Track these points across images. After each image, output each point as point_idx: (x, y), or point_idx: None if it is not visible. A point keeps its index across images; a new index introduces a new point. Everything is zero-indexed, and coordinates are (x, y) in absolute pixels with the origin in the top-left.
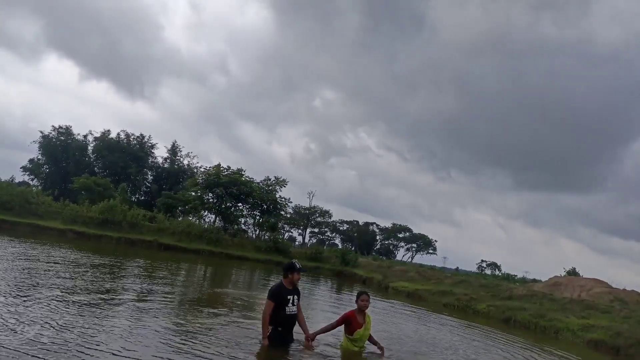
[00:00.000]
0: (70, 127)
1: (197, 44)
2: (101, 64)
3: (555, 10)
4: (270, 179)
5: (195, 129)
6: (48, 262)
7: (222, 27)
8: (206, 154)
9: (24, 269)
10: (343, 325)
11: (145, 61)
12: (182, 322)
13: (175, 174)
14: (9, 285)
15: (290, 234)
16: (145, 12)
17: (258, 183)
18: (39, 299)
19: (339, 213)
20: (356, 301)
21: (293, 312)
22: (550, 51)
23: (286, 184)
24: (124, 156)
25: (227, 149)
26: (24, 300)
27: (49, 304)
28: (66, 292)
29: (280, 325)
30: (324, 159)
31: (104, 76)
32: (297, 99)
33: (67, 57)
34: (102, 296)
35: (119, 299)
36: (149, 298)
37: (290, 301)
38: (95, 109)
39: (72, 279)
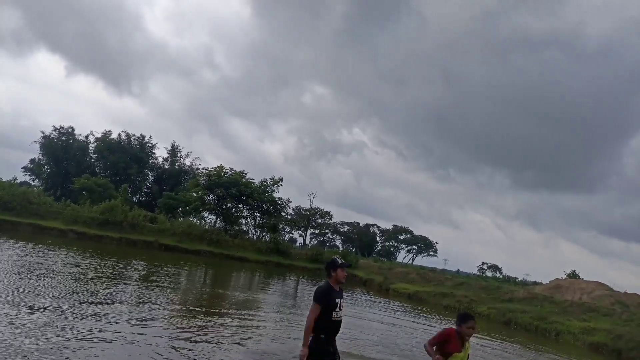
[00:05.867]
0: (72, 127)
1: (181, 38)
2: (87, 58)
3: None
4: (266, 180)
5: (185, 127)
6: (49, 264)
7: (206, 19)
8: (199, 152)
9: (25, 272)
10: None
11: (131, 55)
12: (183, 330)
13: (176, 175)
14: (6, 291)
15: (290, 235)
16: (125, 2)
17: (256, 184)
18: (38, 305)
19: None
20: (459, 324)
21: (339, 318)
22: (537, 43)
23: (281, 184)
24: (124, 157)
25: (219, 146)
26: (24, 307)
27: (48, 310)
28: (66, 296)
29: (324, 332)
30: (319, 156)
31: (91, 71)
32: (287, 95)
33: (53, 50)
34: (103, 301)
35: (120, 304)
36: (150, 302)
37: (339, 305)
38: (85, 106)
39: (73, 281)
